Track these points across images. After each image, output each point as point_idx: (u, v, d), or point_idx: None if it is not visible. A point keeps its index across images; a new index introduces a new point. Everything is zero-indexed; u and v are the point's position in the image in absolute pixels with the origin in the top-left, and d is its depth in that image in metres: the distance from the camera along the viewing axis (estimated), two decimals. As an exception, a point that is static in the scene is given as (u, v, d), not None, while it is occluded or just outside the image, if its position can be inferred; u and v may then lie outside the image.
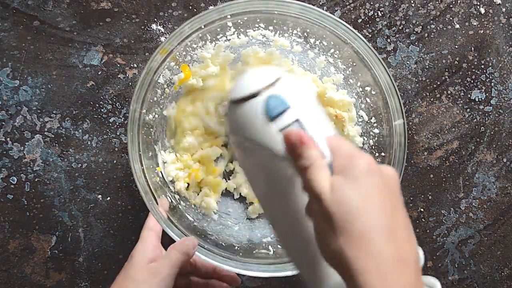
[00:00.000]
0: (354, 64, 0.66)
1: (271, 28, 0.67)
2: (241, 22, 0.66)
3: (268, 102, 0.43)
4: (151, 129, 0.67)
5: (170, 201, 0.67)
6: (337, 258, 0.38)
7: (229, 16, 0.63)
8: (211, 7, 0.73)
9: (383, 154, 0.66)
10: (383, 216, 0.39)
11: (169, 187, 0.69)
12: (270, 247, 0.68)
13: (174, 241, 0.62)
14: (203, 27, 0.63)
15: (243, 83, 0.46)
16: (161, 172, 0.69)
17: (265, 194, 0.49)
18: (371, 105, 0.68)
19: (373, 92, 0.66)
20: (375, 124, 0.68)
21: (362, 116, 0.69)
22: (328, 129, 0.45)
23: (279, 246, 0.68)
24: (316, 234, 0.40)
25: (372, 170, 0.40)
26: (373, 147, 0.68)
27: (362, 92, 0.68)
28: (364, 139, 0.69)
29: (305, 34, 0.67)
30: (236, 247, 0.68)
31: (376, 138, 0.68)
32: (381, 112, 0.66)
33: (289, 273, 0.63)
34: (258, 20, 0.66)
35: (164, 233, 0.63)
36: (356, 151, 0.42)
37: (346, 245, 0.37)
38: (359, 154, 0.41)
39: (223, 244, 0.67)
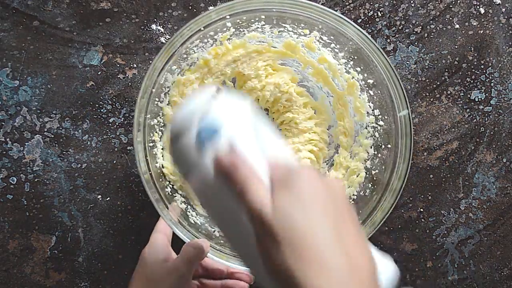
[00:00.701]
0: (356, 57, 0.66)
1: (271, 25, 0.67)
2: (240, 22, 0.66)
3: (199, 134, 0.42)
4: (156, 133, 0.67)
5: (179, 204, 0.67)
6: (283, 275, 0.35)
7: (228, 17, 0.63)
8: (211, 7, 0.73)
9: (389, 145, 0.66)
10: (331, 226, 0.36)
11: (177, 192, 0.69)
12: None
13: (183, 243, 0.62)
14: (202, 29, 0.63)
15: (177, 117, 0.44)
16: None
17: (220, 223, 0.47)
18: (375, 97, 0.68)
19: (376, 84, 0.66)
20: (380, 117, 0.68)
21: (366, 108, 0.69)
22: (274, 145, 0.44)
23: None
24: (261, 254, 0.37)
25: (315, 181, 0.38)
26: (379, 140, 0.68)
27: (365, 85, 0.68)
28: (370, 132, 0.69)
29: (304, 30, 0.67)
30: None
31: (381, 131, 0.68)
32: (385, 104, 0.66)
33: None
34: (257, 19, 0.66)
35: (173, 239, 0.63)
36: (297, 164, 0.40)
37: (292, 260, 0.34)
38: (300, 167, 0.39)
39: None
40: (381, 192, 0.66)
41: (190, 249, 0.57)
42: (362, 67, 0.67)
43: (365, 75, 0.67)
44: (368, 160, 0.70)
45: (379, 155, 0.68)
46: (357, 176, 0.70)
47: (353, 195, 0.70)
